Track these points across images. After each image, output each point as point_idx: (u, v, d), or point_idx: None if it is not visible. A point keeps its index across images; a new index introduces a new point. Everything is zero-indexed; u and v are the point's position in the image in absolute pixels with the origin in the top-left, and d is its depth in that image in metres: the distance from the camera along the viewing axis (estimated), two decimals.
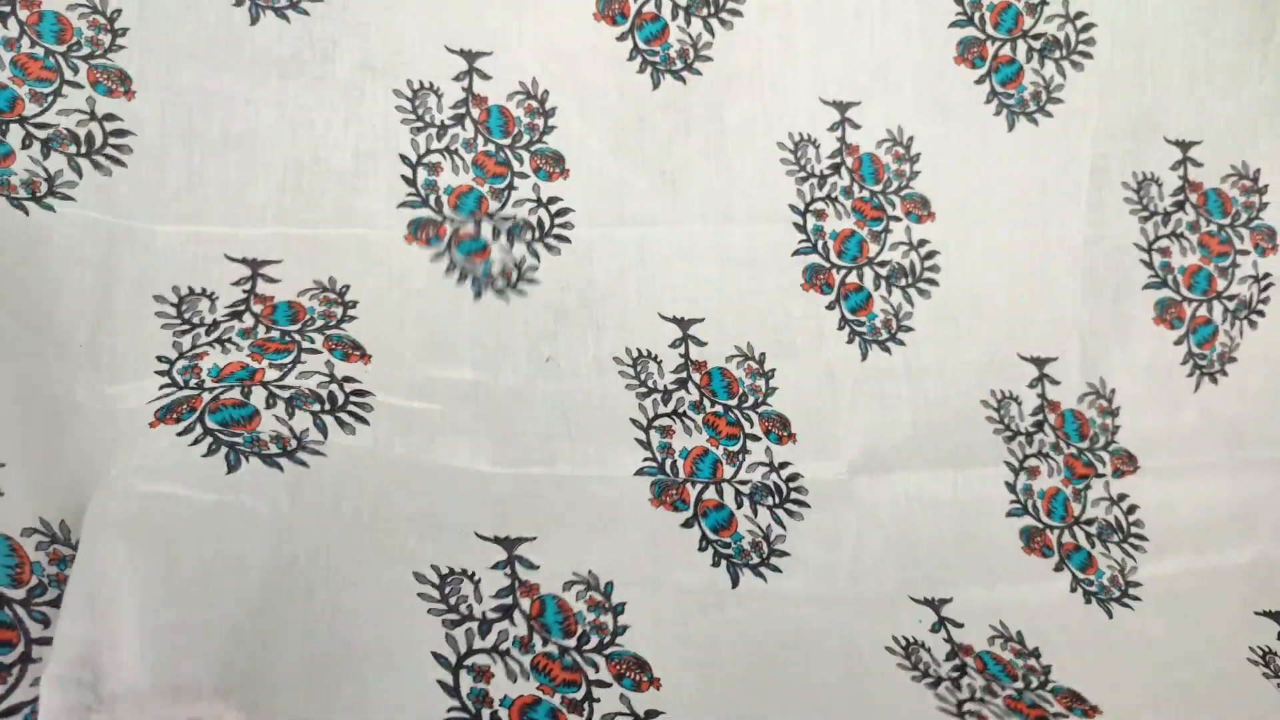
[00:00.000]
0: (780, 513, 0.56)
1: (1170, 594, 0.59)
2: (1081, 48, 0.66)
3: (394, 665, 0.43)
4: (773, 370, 0.60)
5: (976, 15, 0.65)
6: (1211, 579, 0.61)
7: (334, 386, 0.52)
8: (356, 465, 0.49)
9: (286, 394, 0.50)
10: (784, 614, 0.51)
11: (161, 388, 0.50)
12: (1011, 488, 0.61)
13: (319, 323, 0.54)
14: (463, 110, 0.60)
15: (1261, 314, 0.67)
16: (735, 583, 0.52)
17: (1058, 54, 0.66)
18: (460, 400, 0.54)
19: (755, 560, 0.54)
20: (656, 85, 0.62)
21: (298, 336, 0.53)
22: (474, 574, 0.48)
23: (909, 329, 0.63)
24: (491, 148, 0.60)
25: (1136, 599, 0.59)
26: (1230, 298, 0.67)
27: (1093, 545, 0.61)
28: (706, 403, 0.59)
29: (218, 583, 0.42)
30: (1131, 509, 0.62)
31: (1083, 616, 0.57)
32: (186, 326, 0.52)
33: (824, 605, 0.52)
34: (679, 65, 0.62)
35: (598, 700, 0.45)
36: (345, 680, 0.42)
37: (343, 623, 0.43)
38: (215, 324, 0.52)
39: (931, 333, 0.63)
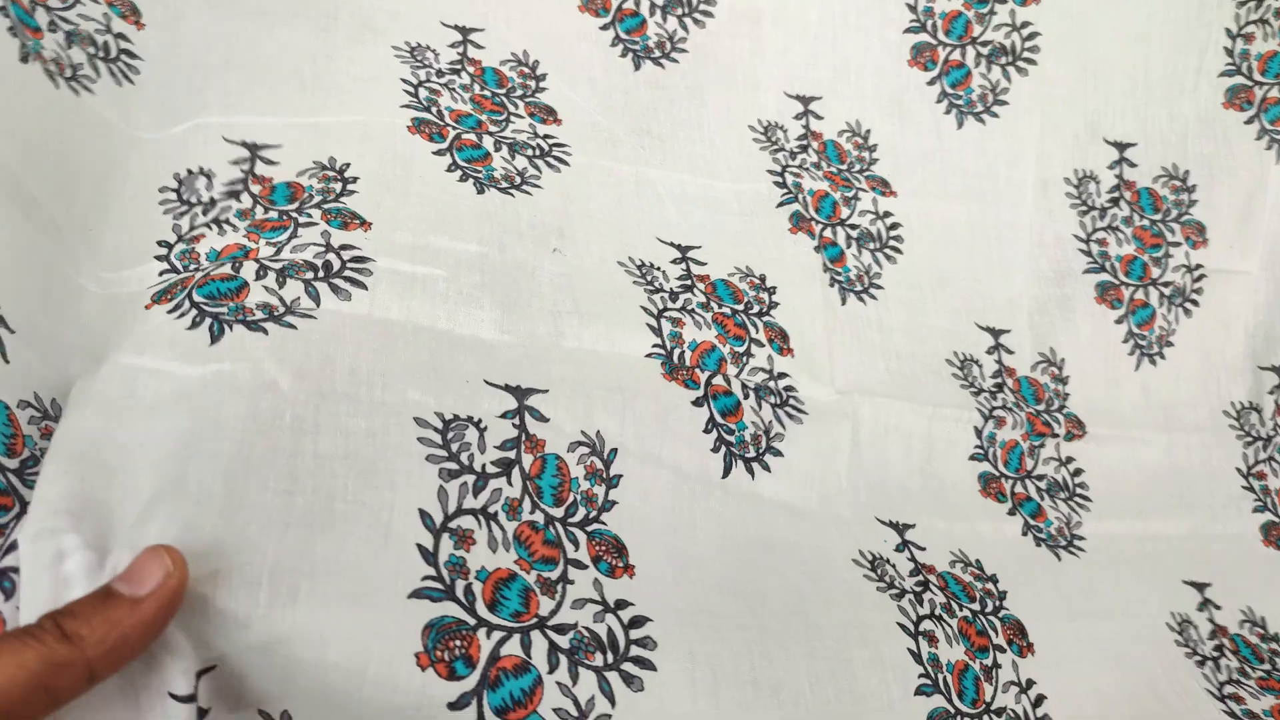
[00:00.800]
0: (781, 413, 0.59)
1: (1110, 551, 0.64)
2: (1026, 55, 0.73)
3: (375, 523, 0.42)
4: (774, 287, 0.63)
5: (929, 23, 0.72)
6: (1149, 543, 0.66)
7: (330, 255, 0.50)
8: (350, 326, 0.47)
9: (279, 265, 0.49)
10: (760, 514, 0.54)
11: (161, 273, 0.51)
12: (979, 432, 0.66)
13: (317, 199, 0.53)
14: (459, 65, 0.64)
15: (1195, 303, 0.74)
16: (726, 473, 0.54)
17: (1004, 60, 0.73)
18: (465, 268, 0.53)
19: (751, 454, 0.56)
20: (638, 67, 0.68)
21: (295, 215, 0.52)
22: (480, 420, 0.47)
23: (879, 287, 0.68)
24: (488, 93, 0.64)
25: (1081, 550, 0.63)
26: (1165, 284, 0.73)
27: (1042, 498, 0.65)
28: (714, 304, 0.60)
29: (194, 449, 0.40)
30: (1078, 471, 0.67)
31: (1034, 556, 0.61)
32: (184, 207, 0.53)
33: (799, 513, 0.55)
34: (658, 54, 0.68)
35: (571, 582, 0.45)
36: (321, 537, 0.40)
37: (328, 477, 0.42)
38: (212, 202, 0.53)
39: (899, 295, 0.68)
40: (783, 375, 0.60)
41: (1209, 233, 0.74)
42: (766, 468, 0.56)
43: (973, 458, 0.64)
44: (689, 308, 0.58)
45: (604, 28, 0.68)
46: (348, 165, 0.55)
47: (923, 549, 0.57)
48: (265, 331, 0.45)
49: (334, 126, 0.57)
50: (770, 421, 0.58)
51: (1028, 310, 0.70)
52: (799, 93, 0.71)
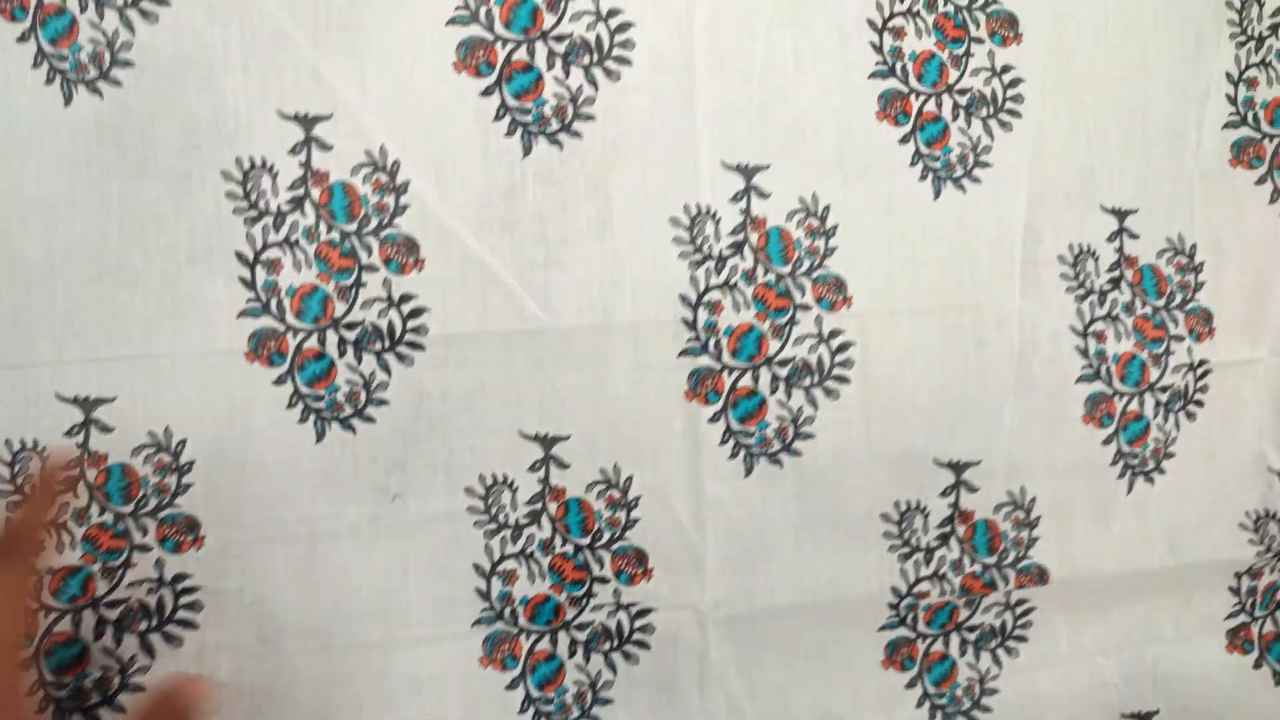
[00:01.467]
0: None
1: (1031, 699, 0.61)
2: (1010, 105, 0.59)
3: None
4: (636, 499, 0.55)
5: (898, 65, 0.57)
6: (1082, 678, 0.62)
7: (164, 592, 0.51)
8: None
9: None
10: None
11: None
12: (894, 607, 0.57)
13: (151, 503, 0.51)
14: (301, 190, 0.50)
15: (1200, 404, 0.63)
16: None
17: (985, 112, 0.59)
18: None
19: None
20: (528, 151, 0.52)
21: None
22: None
23: (808, 436, 0.56)
24: (336, 235, 0.50)
25: (988, 709, 0.60)
26: (1163, 389, 0.61)
27: (962, 654, 0.58)
28: (558, 540, 0.54)
29: None
30: (1027, 612, 0.60)
31: None
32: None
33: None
34: (555, 126, 0.53)
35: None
36: None
37: None
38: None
39: (832, 443, 0.57)
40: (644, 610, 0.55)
41: (1216, 320, 0.63)
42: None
43: (886, 626, 0.58)
44: (529, 551, 0.54)
45: (486, 92, 0.52)
46: (183, 444, 0.51)
47: None
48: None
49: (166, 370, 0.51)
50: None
51: (1007, 437, 0.59)
52: (740, 162, 0.56)
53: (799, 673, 0.57)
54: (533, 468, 0.53)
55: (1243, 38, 0.63)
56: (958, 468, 0.58)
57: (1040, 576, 0.59)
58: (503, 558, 0.53)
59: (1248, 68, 0.63)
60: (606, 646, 0.55)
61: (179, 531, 0.50)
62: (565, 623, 0.54)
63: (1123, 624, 0.61)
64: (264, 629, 0.51)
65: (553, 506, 0.54)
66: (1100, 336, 0.61)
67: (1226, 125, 0.63)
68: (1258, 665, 0.63)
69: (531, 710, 0.54)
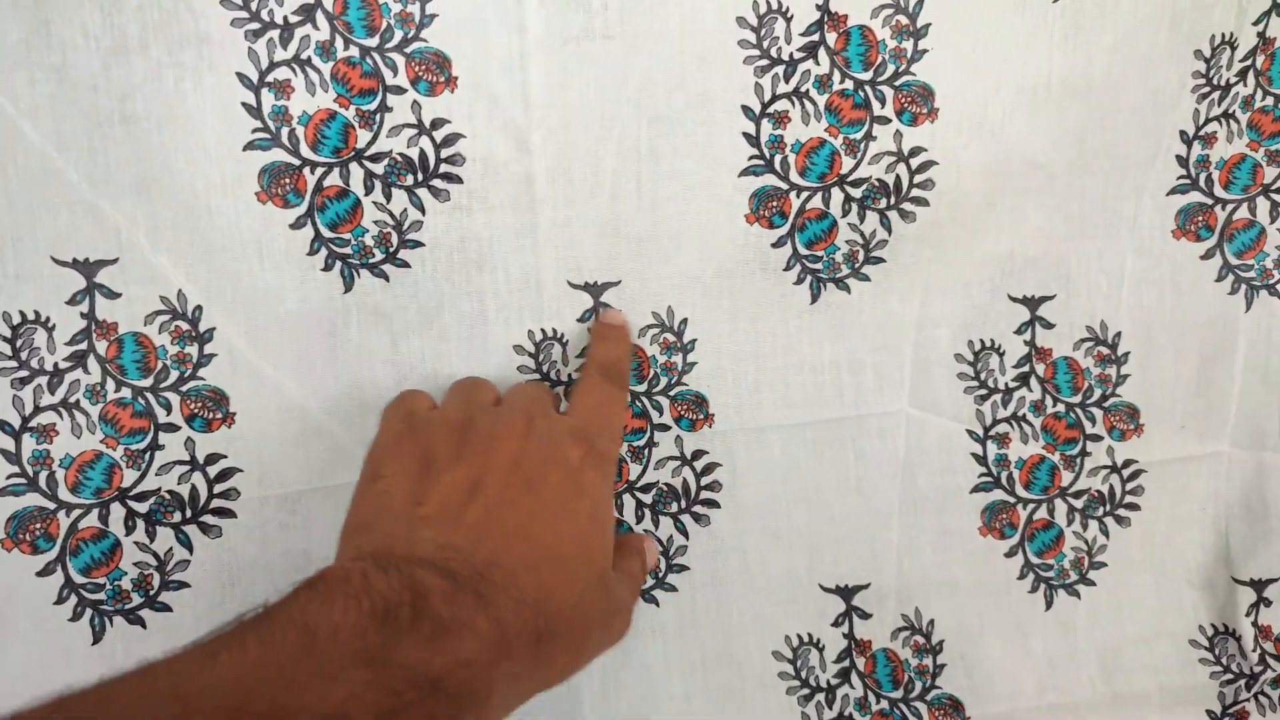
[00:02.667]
0: None
1: None
2: (915, 192, 0.54)
3: None
4: None
5: (778, 159, 0.52)
6: None
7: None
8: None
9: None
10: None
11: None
12: None
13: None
14: (84, 345, 0.46)
15: (1134, 507, 0.58)
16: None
17: (884, 203, 0.53)
18: None
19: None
20: (350, 286, 0.49)
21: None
22: None
23: (682, 567, 0.53)
24: (128, 393, 0.47)
25: None
26: (1077, 494, 0.57)
27: None
28: None
29: None
30: None
31: None
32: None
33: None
34: (379, 256, 0.49)
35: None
36: None
37: None
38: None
39: (710, 567, 0.54)
40: None
41: (1144, 416, 0.58)
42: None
43: None
44: None
45: (297, 223, 0.48)
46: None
47: None
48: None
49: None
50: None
51: (896, 554, 0.55)
52: (588, 279, 0.51)
53: None
54: None
55: (1207, 88, 0.55)
56: (845, 592, 0.55)
57: (955, 708, 0.56)
58: None
59: (1206, 121, 0.56)
60: None
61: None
62: None
63: None
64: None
65: None
66: (1003, 440, 0.57)
67: (1173, 191, 0.56)
68: None
69: None
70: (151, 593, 0.48)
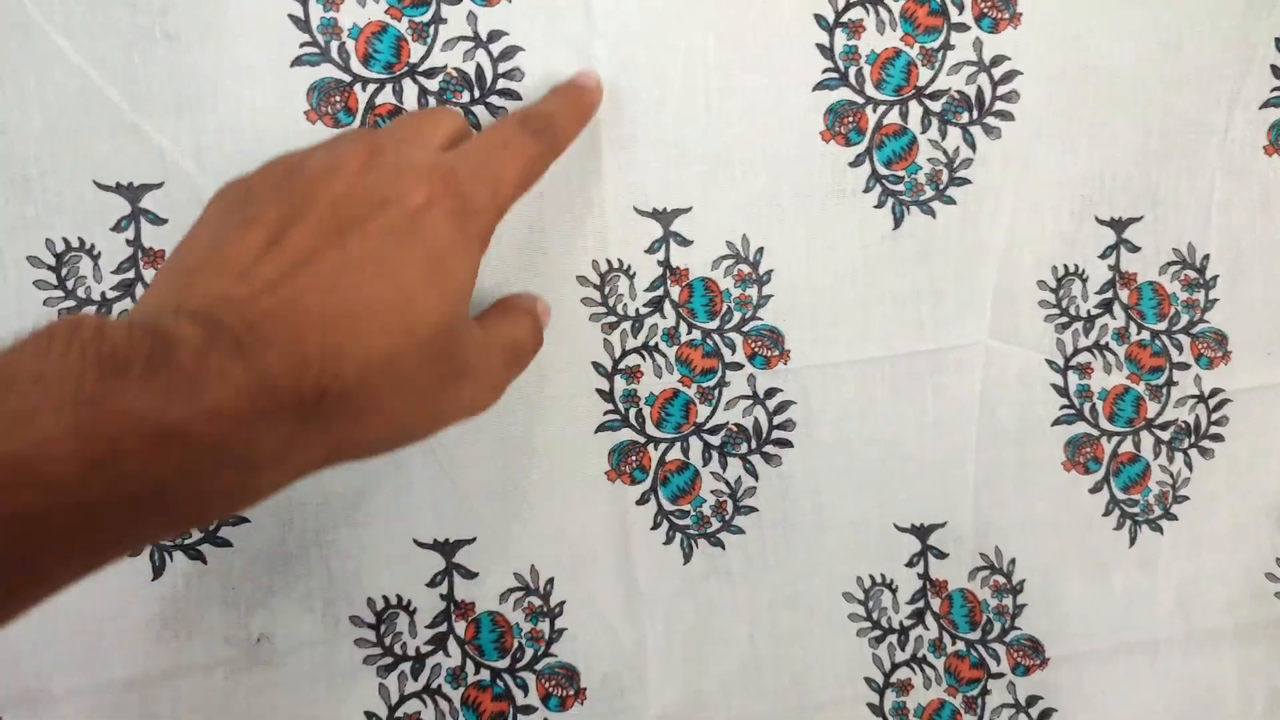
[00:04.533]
0: None
1: None
2: (1000, 105, 0.52)
3: None
4: (560, 605, 0.50)
5: (851, 70, 0.50)
6: None
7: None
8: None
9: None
10: None
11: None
12: (877, 710, 0.52)
13: None
14: (131, 274, 0.45)
15: (1218, 438, 0.57)
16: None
17: (966, 117, 0.51)
18: None
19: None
20: None
21: None
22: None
23: (749, 509, 0.52)
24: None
25: None
26: (1164, 425, 0.56)
27: None
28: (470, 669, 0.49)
29: None
30: (1046, 714, 0.54)
31: None
32: None
33: None
34: None
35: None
36: None
37: None
38: None
39: (779, 509, 0.52)
40: None
41: (1231, 342, 0.56)
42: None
43: None
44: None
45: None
46: None
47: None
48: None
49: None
50: None
51: (973, 491, 0.54)
52: (655, 206, 0.50)
53: None
54: (433, 582, 0.50)
55: None
56: (922, 531, 0.54)
57: (1034, 649, 0.55)
58: (403, 699, 0.49)
59: None
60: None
61: None
62: None
63: None
64: None
65: (461, 626, 0.50)
66: (1085, 370, 0.55)
67: (1267, 104, 0.55)
68: None
69: None
70: (211, 527, 0.48)
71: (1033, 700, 0.55)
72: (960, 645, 0.55)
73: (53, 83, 0.44)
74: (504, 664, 0.50)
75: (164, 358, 0.28)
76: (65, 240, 0.45)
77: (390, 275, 0.35)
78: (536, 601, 0.51)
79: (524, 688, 0.50)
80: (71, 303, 0.45)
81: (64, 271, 0.45)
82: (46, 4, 0.43)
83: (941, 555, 0.55)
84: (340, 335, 0.33)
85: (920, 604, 0.55)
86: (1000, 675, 0.55)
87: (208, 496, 0.30)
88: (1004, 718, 0.55)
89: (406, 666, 0.49)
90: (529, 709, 0.50)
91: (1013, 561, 0.55)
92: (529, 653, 0.51)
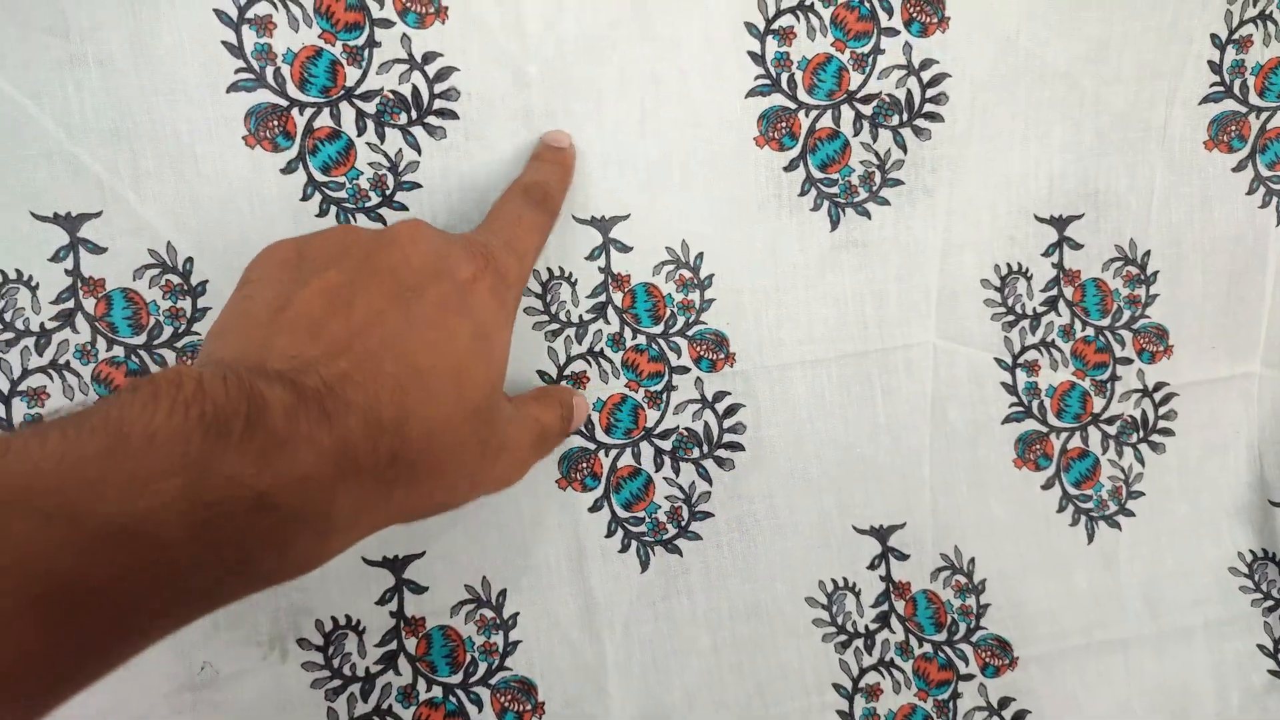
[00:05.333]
0: None
1: None
2: (929, 108, 0.53)
3: None
4: (514, 617, 0.50)
5: (784, 77, 0.51)
6: None
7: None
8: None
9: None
10: None
11: (237, 71, 0.47)
12: (846, 716, 0.52)
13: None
14: (70, 304, 0.46)
15: (1168, 432, 0.58)
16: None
17: (896, 119, 0.53)
18: None
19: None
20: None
21: None
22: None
23: (705, 514, 0.53)
24: (120, 351, 0.47)
25: None
26: (1110, 420, 0.56)
27: None
28: (422, 686, 0.49)
29: None
30: (1019, 716, 0.55)
31: None
32: None
33: None
34: (374, 200, 0.48)
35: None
36: None
37: None
38: None
39: (735, 513, 0.53)
40: None
41: (1173, 336, 0.57)
42: None
43: None
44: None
45: (288, 168, 0.47)
46: None
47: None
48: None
49: None
50: None
51: (930, 492, 0.55)
52: (595, 214, 0.51)
53: None
54: (382, 599, 0.50)
55: None
56: (881, 533, 0.55)
57: (1002, 648, 0.56)
58: None
59: (1241, 24, 0.56)
60: None
61: None
62: None
63: None
64: None
65: (411, 643, 0.50)
66: (1033, 367, 0.56)
67: (1205, 100, 0.56)
68: None
69: None
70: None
71: (1005, 702, 0.55)
72: (927, 647, 0.55)
73: None
74: (457, 679, 0.50)
75: (259, 420, 0.29)
76: (2, 272, 0.46)
77: (447, 343, 0.36)
78: (489, 614, 0.51)
79: (478, 703, 0.50)
80: (9, 334, 0.46)
81: (2, 304, 0.46)
82: None
83: (903, 557, 0.55)
84: (408, 399, 0.34)
85: (884, 607, 0.55)
86: (970, 677, 0.55)
87: (284, 560, 0.31)
88: None
89: (356, 688, 0.49)
90: None
91: (972, 561, 0.56)
92: (483, 666, 0.51)
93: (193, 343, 0.47)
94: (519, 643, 0.51)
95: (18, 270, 0.46)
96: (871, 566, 0.55)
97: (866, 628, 0.55)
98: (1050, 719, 0.55)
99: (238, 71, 0.47)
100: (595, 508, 0.52)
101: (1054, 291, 0.56)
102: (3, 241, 0.45)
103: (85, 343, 0.47)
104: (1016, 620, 0.56)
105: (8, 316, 0.46)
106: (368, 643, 0.50)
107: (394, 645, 0.50)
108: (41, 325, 0.46)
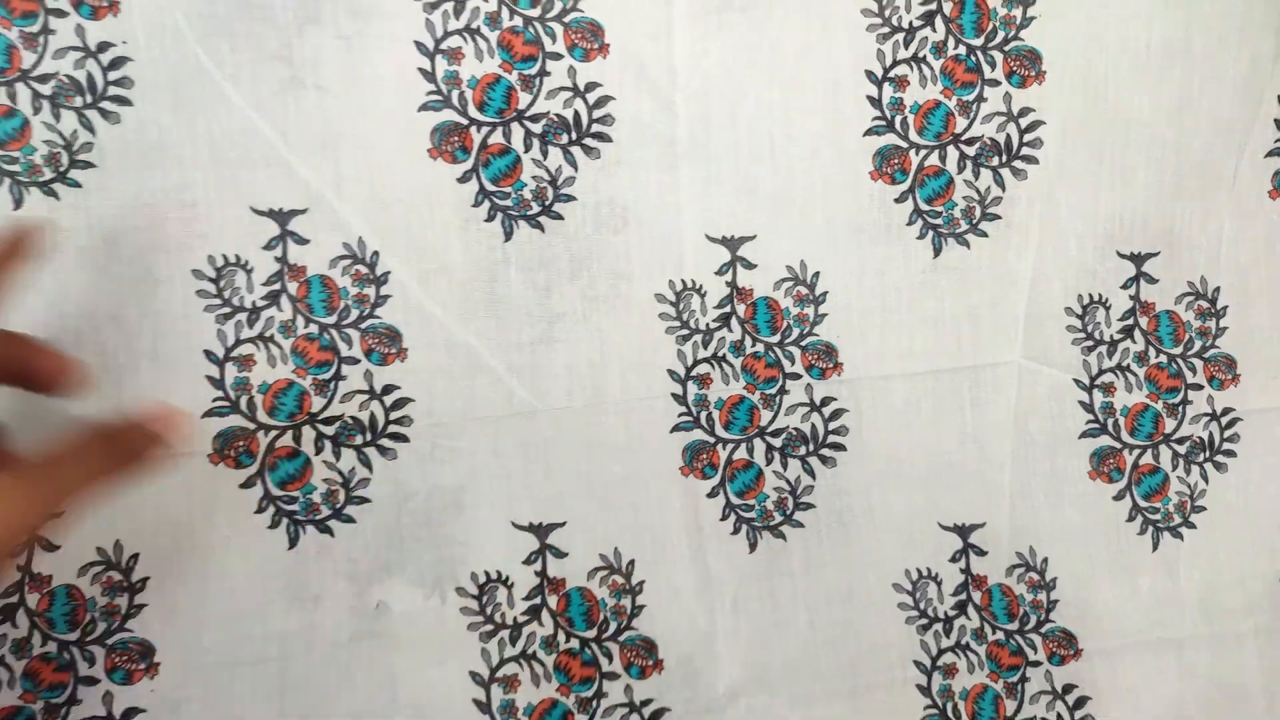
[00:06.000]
0: None
1: None
2: (1025, 150, 0.60)
3: None
4: (641, 584, 0.57)
5: (897, 119, 0.58)
6: None
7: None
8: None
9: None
10: None
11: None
12: (925, 691, 0.58)
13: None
14: (277, 286, 0.53)
15: (1230, 454, 0.64)
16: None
17: (996, 161, 0.59)
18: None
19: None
20: (509, 235, 0.55)
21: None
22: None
23: (808, 505, 0.59)
24: (314, 329, 0.54)
25: None
26: (1181, 440, 0.62)
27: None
28: (562, 636, 0.56)
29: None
30: (1080, 701, 0.60)
31: None
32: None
33: None
34: (535, 209, 0.55)
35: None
36: None
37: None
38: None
39: (835, 506, 0.59)
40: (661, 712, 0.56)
41: (1240, 366, 0.64)
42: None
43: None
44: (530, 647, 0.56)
45: (463, 178, 0.54)
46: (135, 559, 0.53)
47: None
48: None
49: None
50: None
51: (1009, 495, 0.61)
52: (725, 234, 0.58)
53: None
54: (528, 560, 0.57)
55: None
56: (964, 531, 0.61)
57: (1068, 640, 0.62)
58: (502, 662, 0.56)
59: None
60: None
61: (130, 660, 0.52)
62: None
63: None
64: None
65: (553, 600, 0.57)
66: (1109, 389, 0.62)
67: (1271, 153, 0.63)
68: None
69: None
70: (337, 505, 0.55)
71: (1068, 688, 0.61)
72: (1000, 635, 0.61)
73: (219, 122, 0.53)
74: (591, 635, 0.57)
75: None
76: (224, 256, 0.53)
77: None
78: (620, 580, 0.58)
79: (609, 656, 0.57)
80: (227, 309, 0.53)
81: (222, 284, 0.53)
82: (216, 55, 0.52)
83: (981, 553, 0.61)
84: None
85: (963, 596, 0.61)
86: (1038, 663, 0.61)
87: None
88: (1042, 704, 0.61)
89: (505, 634, 0.56)
90: (613, 675, 0.57)
91: (1045, 560, 0.62)
92: (613, 625, 0.57)
93: (374, 325, 0.54)
94: (644, 607, 0.58)
95: (237, 255, 0.53)
96: (953, 559, 0.61)
97: (946, 614, 0.61)
98: (1108, 707, 0.62)
99: (428, 94, 0.54)
100: (712, 494, 0.59)
101: (1130, 321, 0.63)
102: (226, 231, 0.53)
103: (287, 320, 0.54)
104: (1082, 617, 0.62)
105: (226, 294, 0.53)
106: (515, 596, 0.56)
107: (538, 600, 0.56)
108: (253, 303, 0.54)
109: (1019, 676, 0.61)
